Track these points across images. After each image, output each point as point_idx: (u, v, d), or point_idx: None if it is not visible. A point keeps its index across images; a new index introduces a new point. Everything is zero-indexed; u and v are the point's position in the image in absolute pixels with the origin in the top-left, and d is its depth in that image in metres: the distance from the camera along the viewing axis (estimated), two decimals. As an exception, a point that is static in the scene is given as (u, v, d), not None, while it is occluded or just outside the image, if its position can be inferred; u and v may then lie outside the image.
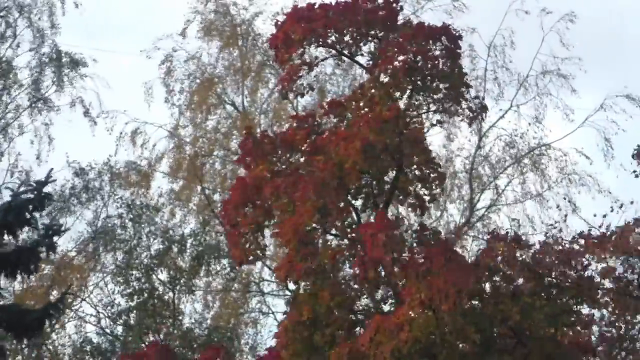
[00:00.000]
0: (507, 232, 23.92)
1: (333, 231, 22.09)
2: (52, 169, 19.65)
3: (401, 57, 21.68)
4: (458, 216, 34.36)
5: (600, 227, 22.37)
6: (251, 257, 22.44)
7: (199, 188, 34.19)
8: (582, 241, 21.75)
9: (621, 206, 23.32)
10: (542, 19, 33.81)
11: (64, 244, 33.29)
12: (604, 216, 22.61)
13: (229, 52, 35.40)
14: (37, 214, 19.64)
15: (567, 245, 21.93)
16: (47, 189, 19.45)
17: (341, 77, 34.82)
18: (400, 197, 22.68)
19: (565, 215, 26.77)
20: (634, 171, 23.04)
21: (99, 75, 36.02)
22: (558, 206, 31.62)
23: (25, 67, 35.31)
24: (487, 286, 21.92)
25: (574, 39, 34.04)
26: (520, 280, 21.85)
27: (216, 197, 34.41)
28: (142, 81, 34.88)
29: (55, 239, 19.81)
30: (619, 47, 53.33)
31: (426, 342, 20.02)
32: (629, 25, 54.71)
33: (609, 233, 21.86)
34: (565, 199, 33.20)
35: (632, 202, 23.71)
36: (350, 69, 34.13)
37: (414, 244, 21.73)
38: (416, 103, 22.24)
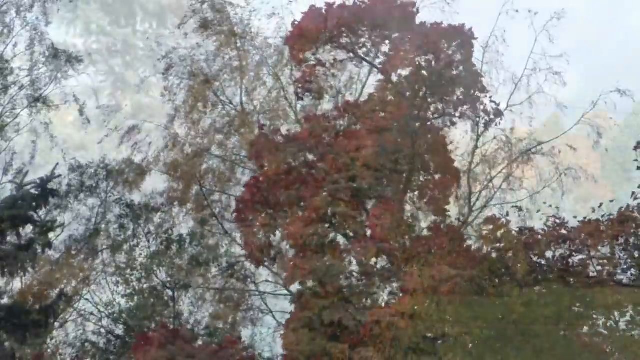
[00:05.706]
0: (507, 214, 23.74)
1: (342, 231, 22.14)
2: (57, 164, 19.65)
3: (411, 56, 21.78)
4: (455, 216, 34.48)
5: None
6: (265, 258, 22.47)
7: (196, 187, 34.10)
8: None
9: (600, 205, 23.56)
10: (532, 19, 34.03)
11: (63, 242, 33.14)
12: (586, 219, 23.01)
13: (226, 52, 35.30)
14: (40, 211, 19.53)
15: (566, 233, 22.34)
16: (52, 185, 19.40)
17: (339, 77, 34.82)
18: (414, 199, 22.80)
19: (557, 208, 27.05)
20: (635, 159, 23.27)
21: (94, 71, 36.01)
22: (551, 205, 31.94)
23: (23, 67, 35.11)
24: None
25: (564, 36, 34.26)
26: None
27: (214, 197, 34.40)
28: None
29: (50, 235, 19.76)
30: (605, 40, 53.85)
31: (428, 332, 20.12)
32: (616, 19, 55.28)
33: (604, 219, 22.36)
34: (551, 203, 33.35)
35: (611, 201, 24.13)
36: (346, 68, 34.23)
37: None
38: (432, 107, 22.34)
